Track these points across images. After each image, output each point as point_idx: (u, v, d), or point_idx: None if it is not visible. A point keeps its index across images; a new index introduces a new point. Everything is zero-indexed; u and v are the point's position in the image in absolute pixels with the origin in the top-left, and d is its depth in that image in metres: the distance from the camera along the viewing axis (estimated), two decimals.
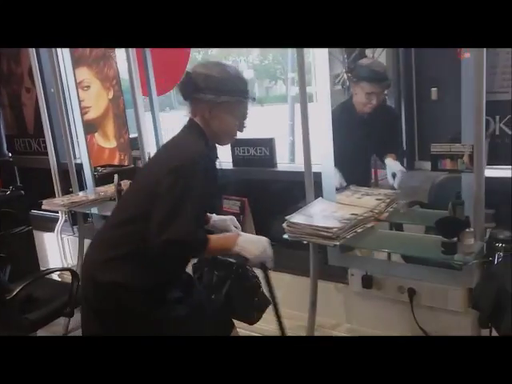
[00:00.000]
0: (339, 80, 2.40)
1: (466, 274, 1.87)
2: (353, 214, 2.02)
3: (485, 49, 1.74)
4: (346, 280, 2.42)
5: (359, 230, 1.97)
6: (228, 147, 2.32)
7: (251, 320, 1.81)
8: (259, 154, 2.81)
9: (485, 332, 1.62)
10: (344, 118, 2.34)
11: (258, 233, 2.50)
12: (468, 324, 1.88)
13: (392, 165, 2.35)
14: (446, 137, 1.98)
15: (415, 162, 2.40)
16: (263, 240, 1.59)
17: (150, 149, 2.87)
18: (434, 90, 2.24)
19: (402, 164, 2.37)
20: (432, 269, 1.98)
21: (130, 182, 2.41)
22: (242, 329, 1.85)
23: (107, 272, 1.53)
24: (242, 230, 1.86)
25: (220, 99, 1.56)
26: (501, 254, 1.70)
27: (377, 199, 2.20)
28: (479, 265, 1.80)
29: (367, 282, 2.31)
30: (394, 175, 2.32)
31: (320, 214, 2.10)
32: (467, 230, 1.75)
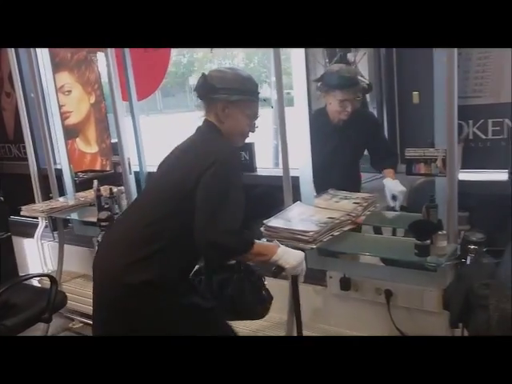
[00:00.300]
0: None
1: (441, 276, 1.90)
2: (330, 218, 2.05)
3: (456, 53, 1.78)
4: (325, 282, 2.44)
5: (336, 234, 1.99)
6: None
7: (257, 315, 1.86)
8: None
9: (458, 332, 1.65)
10: (320, 125, 2.32)
11: None
12: (443, 324, 1.90)
13: (391, 185, 2.20)
14: (427, 140, 2.00)
15: (397, 166, 2.40)
16: (300, 253, 1.68)
17: (130, 154, 2.86)
18: (415, 93, 2.25)
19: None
20: (408, 271, 2.01)
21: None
22: None
23: (138, 272, 1.53)
24: None
25: (233, 98, 1.66)
26: (472, 255, 1.74)
27: (354, 203, 2.23)
28: (453, 266, 1.84)
29: (345, 284, 2.33)
30: (393, 197, 2.16)
31: (297, 218, 2.12)
32: (440, 232, 1.78)
